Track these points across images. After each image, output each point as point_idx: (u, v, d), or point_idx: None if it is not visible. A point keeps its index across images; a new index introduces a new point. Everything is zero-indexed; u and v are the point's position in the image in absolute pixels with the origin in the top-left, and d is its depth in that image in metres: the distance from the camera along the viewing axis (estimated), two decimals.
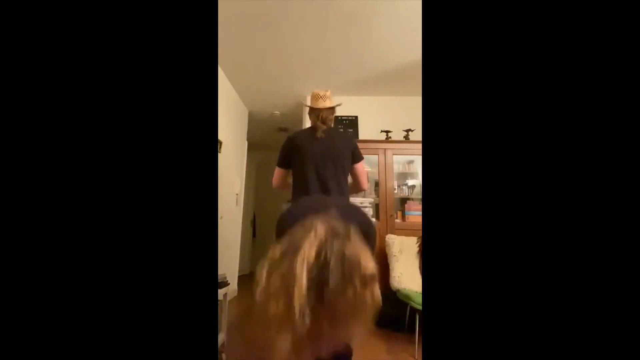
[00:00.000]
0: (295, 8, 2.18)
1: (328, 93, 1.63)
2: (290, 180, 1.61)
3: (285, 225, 1.08)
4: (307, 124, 2.35)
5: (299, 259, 0.76)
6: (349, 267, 0.80)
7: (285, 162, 1.58)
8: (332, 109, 1.63)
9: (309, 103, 1.67)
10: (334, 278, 0.76)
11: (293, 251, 0.79)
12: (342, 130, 3.31)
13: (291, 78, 3.20)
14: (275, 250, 0.82)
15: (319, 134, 1.52)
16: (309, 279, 0.74)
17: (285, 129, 4.60)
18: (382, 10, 2.19)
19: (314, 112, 1.61)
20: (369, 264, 0.81)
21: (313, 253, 0.77)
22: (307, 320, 0.72)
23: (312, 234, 0.82)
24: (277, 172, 1.62)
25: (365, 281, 0.78)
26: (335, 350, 0.78)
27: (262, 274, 0.78)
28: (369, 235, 1.09)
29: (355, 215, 1.10)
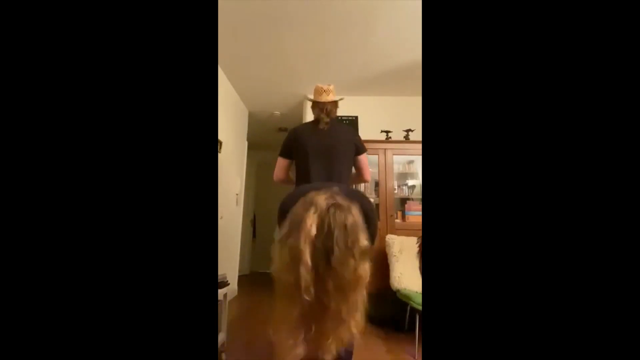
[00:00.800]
0: (295, 8, 2.18)
1: (331, 87, 1.65)
2: (292, 176, 1.61)
3: (287, 206, 1.09)
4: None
5: (302, 235, 0.82)
6: (351, 238, 0.86)
7: (288, 152, 1.59)
8: (336, 102, 1.64)
9: (312, 97, 1.67)
10: (338, 247, 0.83)
11: (296, 227, 0.85)
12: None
13: (291, 78, 3.20)
14: (282, 230, 0.89)
15: (322, 126, 1.53)
16: (312, 252, 0.81)
17: (285, 129, 4.60)
18: (382, 10, 2.19)
19: (317, 105, 1.61)
20: (364, 239, 0.86)
21: (314, 227, 0.84)
22: (313, 290, 0.79)
23: (312, 208, 0.87)
24: (280, 162, 1.62)
25: (361, 254, 0.84)
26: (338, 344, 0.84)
27: (274, 253, 0.88)
28: (370, 214, 1.11)
29: (356, 196, 1.12)
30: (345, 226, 0.86)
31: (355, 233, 0.87)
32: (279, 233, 0.94)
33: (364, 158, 1.64)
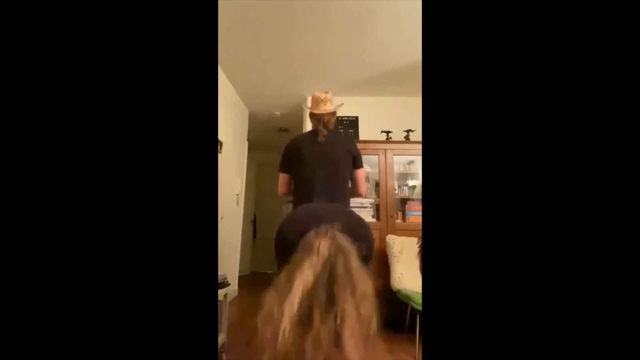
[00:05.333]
0: (295, 8, 2.18)
1: (329, 96, 1.61)
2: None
3: (285, 236, 1.07)
4: (308, 124, 2.34)
5: (297, 283, 0.78)
6: (360, 285, 0.82)
7: (287, 166, 1.56)
8: (334, 112, 1.61)
9: (309, 105, 1.65)
10: (342, 295, 0.79)
11: (295, 277, 0.82)
12: (342, 131, 3.31)
13: (291, 78, 3.20)
14: (281, 277, 0.86)
15: (321, 139, 1.51)
16: (308, 298, 0.77)
17: (285, 130, 4.60)
18: (382, 10, 2.19)
19: (315, 116, 1.59)
20: (370, 285, 0.84)
21: (311, 275, 0.80)
22: (291, 340, 0.74)
23: (314, 255, 0.84)
24: (281, 178, 1.59)
25: (371, 300, 0.82)
26: None
27: (266, 299, 0.84)
28: (369, 242, 1.09)
29: (357, 231, 1.08)
30: (350, 273, 0.84)
31: (362, 278, 0.85)
32: (277, 278, 0.89)
33: (360, 173, 1.60)
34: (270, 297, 0.83)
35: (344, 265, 0.85)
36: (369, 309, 0.82)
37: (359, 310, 0.80)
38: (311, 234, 0.94)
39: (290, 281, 0.82)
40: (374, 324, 0.83)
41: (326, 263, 0.85)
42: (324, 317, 0.79)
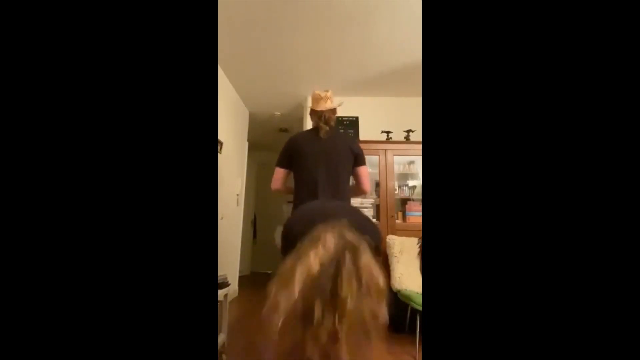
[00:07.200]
0: (295, 8, 2.19)
1: (329, 94, 1.62)
2: (290, 183, 1.59)
3: (292, 231, 1.06)
4: (308, 124, 2.34)
5: (299, 270, 0.76)
6: (366, 279, 0.79)
7: (285, 162, 1.56)
8: (334, 109, 1.62)
9: (310, 104, 1.66)
10: (351, 290, 0.76)
11: (298, 264, 0.79)
12: (342, 131, 3.31)
13: (291, 78, 3.20)
14: (285, 265, 0.83)
15: (323, 135, 1.51)
16: (311, 288, 0.75)
17: (285, 130, 4.61)
18: (382, 10, 2.19)
19: (315, 113, 1.59)
20: (381, 279, 0.81)
21: (317, 264, 0.77)
22: (293, 331, 0.72)
23: (320, 246, 0.81)
24: (277, 172, 1.59)
25: (379, 294, 0.78)
26: None
27: (271, 288, 0.79)
28: (377, 243, 1.07)
29: (365, 226, 1.07)
30: (358, 268, 0.78)
31: (370, 273, 0.82)
32: (281, 266, 0.87)
33: (363, 170, 1.60)
34: (274, 286, 0.79)
35: (352, 261, 0.82)
36: (374, 305, 0.77)
37: (361, 306, 0.77)
38: (319, 227, 0.91)
39: (294, 268, 0.77)
40: (381, 321, 0.78)
41: (332, 258, 0.82)
42: (326, 313, 0.77)
